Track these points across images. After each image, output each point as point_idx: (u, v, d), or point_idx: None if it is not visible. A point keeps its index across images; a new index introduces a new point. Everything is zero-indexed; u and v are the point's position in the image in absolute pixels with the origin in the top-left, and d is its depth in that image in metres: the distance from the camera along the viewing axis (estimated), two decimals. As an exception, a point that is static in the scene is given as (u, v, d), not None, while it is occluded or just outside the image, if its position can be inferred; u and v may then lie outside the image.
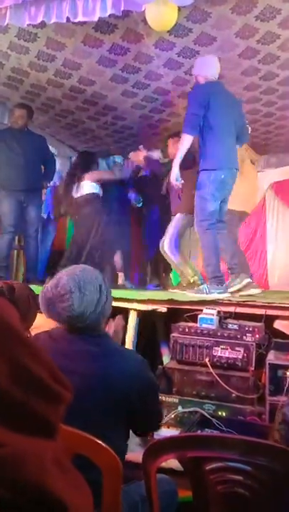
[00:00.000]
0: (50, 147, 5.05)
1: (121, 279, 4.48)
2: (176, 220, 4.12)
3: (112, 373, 1.36)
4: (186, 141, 3.30)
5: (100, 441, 1.08)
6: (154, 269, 4.98)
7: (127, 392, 1.36)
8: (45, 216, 5.23)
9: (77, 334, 1.43)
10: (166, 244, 4.08)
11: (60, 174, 5.47)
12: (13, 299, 1.76)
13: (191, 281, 3.88)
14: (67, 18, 2.77)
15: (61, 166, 5.88)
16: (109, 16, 2.78)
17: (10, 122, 4.39)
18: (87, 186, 4.35)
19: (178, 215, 4.13)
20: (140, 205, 5.01)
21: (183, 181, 3.45)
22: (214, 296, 3.12)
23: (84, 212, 4.35)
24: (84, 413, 1.22)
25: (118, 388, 1.35)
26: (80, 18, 2.76)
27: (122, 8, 2.65)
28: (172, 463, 1.24)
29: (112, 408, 1.35)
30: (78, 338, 1.43)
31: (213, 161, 3.29)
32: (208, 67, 3.41)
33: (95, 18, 2.76)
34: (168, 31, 3.17)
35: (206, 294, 3.17)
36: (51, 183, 4.90)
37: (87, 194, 4.35)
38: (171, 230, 4.12)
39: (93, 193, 4.37)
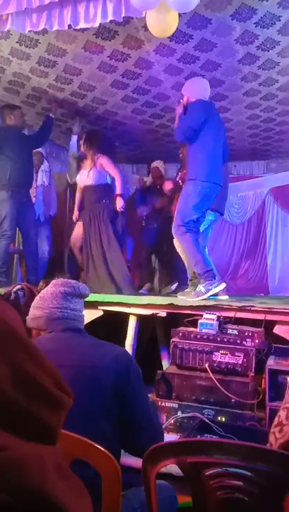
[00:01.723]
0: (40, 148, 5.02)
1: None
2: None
3: (99, 360, 1.43)
4: None
5: (99, 446, 1.08)
6: (147, 274, 4.98)
7: (114, 377, 1.39)
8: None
9: (61, 332, 1.55)
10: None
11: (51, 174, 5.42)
12: (19, 305, 1.81)
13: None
14: (69, 26, 2.80)
15: (60, 170, 5.90)
16: (110, 22, 2.80)
17: (14, 124, 4.26)
18: None
19: None
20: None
21: None
22: (213, 292, 3.15)
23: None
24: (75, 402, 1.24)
25: (106, 373, 1.39)
26: (82, 25, 2.78)
27: (123, 15, 2.68)
28: (172, 468, 1.24)
29: (102, 395, 1.37)
30: (63, 335, 1.54)
31: (201, 173, 3.36)
32: (201, 90, 3.50)
33: (96, 25, 2.78)
34: (168, 37, 3.20)
35: (205, 293, 3.16)
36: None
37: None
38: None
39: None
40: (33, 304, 1.64)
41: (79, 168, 4.46)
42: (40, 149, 4.96)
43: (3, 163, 4.13)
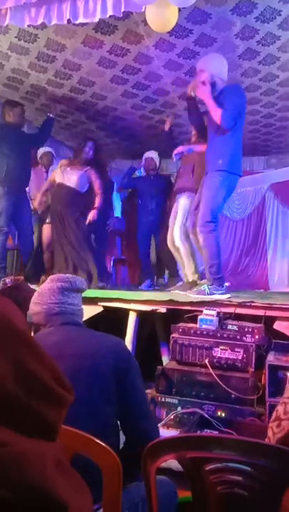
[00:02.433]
0: (50, 148, 5.06)
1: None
2: (185, 204, 3.90)
3: (99, 348, 1.46)
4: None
5: (99, 441, 1.08)
6: (146, 268, 4.98)
7: (114, 363, 1.43)
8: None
9: (60, 326, 1.58)
10: (177, 234, 3.87)
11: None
12: (19, 300, 1.83)
13: (190, 279, 3.81)
14: (68, 20, 2.78)
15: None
16: (110, 16, 2.78)
17: (13, 120, 4.25)
18: None
19: (185, 198, 3.91)
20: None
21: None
22: (215, 297, 3.11)
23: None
24: (76, 390, 1.28)
25: (106, 361, 1.42)
26: (81, 20, 2.76)
27: (123, 10, 2.66)
28: (171, 463, 1.25)
29: (102, 381, 1.40)
30: (62, 328, 1.56)
31: (234, 165, 3.21)
32: (223, 67, 3.26)
33: (96, 19, 2.76)
34: (168, 32, 3.18)
35: (207, 295, 3.15)
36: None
37: None
38: (180, 215, 3.89)
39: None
40: (32, 299, 1.66)
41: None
42: (49, 149, 5.00)
43: (6, 159, 4.13)
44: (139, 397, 1.49)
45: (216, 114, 3.12)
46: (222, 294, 3.17)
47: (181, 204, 3.94)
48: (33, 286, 3.72)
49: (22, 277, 3.08)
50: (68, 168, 4.29)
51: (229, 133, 3.16)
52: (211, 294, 3.15)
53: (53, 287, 1.63)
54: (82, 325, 1.65)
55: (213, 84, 3.18)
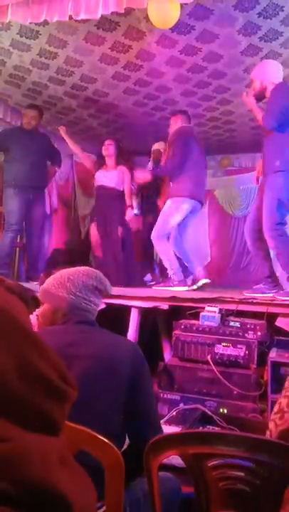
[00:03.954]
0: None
1: None
2: (182, 206, 3.86)
3: (116, 352, 1.44)
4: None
5: (102, 437, 1.09)
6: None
7: (130, 369, 1.41)
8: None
9: (76, 324, 1.53)
10: (154, 234, 3.91)
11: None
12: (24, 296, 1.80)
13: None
14: (70, 17, 2.77)
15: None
16: (112, 13, 2.77)
17: (23, 123, 4.38)
18: None
19: (181, 199, 3.86)
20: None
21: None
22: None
23: None
24: (90, 392, 1.31)
25: (122, 366, 1.40)
26: (83, 16, 2.75)
27: (125, 6, 2.65)
28: (173, 459, 1.25)
29: (117, 386, 1.39)
30: (78, 328, 1.52)
31: None
32: (278, 72, 3.26)
33: (98, 16, 2.75)
34: (170, 28, 3.17)
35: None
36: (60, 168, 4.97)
37: None
38: (161, 217, 3.93)
39: None
40: (55, 281, 1.57)
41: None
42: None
43: (10, 164, 4.25)
44: (148, 404, 1.48)
45: (259, 117, 3.18)
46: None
47: (180, 203, 3.89)
48: (33, 284, 3.77)
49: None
50: (103, 170, 4.47)
51: (280, 133, 3.12)
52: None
53: (87, 283, 1.57)
54: (95, 323, 1.60)
55: (264, 89, 3.23)
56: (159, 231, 3.85)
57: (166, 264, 3.89)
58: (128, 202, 4.42)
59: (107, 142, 4.51)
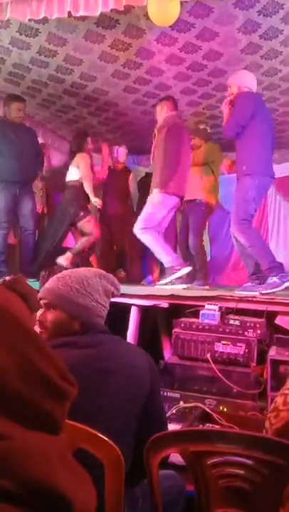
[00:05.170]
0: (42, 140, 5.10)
1: None
2: (153, 198, 3.84)
3: (137, 363, 1.40)
4: None
5: (102, 436, 1.09)
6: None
7: (147, 378, 1.38)
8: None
9: (98, 334, 1.43)
10: (138, 225, 3.86)
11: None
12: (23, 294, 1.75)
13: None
14: (69, 13, 2.76)
15: (61, 161, 5.88)
16: (111, 10, 2.77)
17: (9, 115, 4.27)
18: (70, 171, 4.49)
19: (155, 191, 3.82)
20: None
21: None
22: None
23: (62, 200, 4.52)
24: (122, 404, 1.32)
25: (142, 378, 1.37)
26: (82, 13, 2.74)
27: (124, 3, 2.64)
28: (174, 457, 1.26)
29: (139, 397, 1.36)
30: (102, 337, 1.43)
31: (259, 167, 3.38)
32: (251, 80, 3.53)
33: (97, 13, 2.75)
34: (170, 26, 3.16)
35: (281, 285, 3.05)
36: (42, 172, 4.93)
37: (68, 180, 4.47)
38: (148, 208, 3.87)
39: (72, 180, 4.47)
40: (72, 285, 1.41)
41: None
42: (41, 141, 5.02)
43: (6, 153, 4.14)
44: (159, 410, 1.46)
45: None
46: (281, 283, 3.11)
47: (165, 197, 3.85)
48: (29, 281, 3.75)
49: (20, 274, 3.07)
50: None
51: (250, 139, 3.39)
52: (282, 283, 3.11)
53: (106, 288, 1.47)
54: (108, 331, 1.49)
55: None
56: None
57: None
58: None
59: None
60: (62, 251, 4.46)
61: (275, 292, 3.02)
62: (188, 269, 3.70)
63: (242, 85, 3.49)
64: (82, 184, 4.45)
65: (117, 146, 5.09)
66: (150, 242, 3.83)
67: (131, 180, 5.25)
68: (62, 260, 4.29)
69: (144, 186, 5.00)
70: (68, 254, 4.39)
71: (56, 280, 1.45)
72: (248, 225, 3.41)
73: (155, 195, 3.82)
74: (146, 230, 3.80)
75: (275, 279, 3.11)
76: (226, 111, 3.55)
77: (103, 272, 1.52)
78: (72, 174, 4.47)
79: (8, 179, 4.16)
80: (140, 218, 3.86)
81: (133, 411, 1.34)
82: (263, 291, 3.05)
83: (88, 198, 4.50)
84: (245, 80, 3.52)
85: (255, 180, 3.37)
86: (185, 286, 3.58)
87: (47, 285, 1.46)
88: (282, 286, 3.05)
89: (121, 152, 4.92)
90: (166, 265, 3.80)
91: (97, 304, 1.42)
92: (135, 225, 3.86)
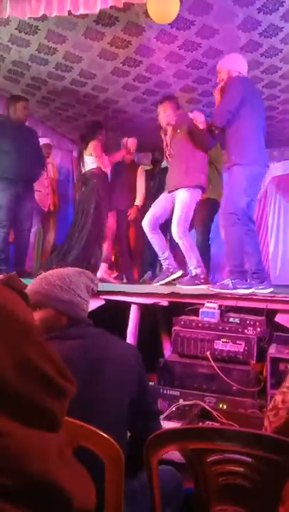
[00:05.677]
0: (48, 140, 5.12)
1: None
2: (186, 197, 3.63)
3: (126, 352, 1.48)
4: None
5: (102, 433, 1.09)
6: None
7: (135, 366, 1.45)
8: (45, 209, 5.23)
9: (87, 327, 1.51)
10: (181, 228, 3.58)
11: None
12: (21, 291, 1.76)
13: (194, 273, 3.69)
14: (69, 12, 2.76)
15: (61, 159, 5.88)
16: (111, 8, 2.76)
17: (14, 114, 4.24)
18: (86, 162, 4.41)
19: (185, 190, 3.63)
20: None
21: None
22: (240, 291, 3.01)
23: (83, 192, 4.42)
24: (117, 392, 1.37)
25: (130, 368, 1.43)
26: (82, 11, 2.74)
27: (124, 1, 2.64)
28: (173, 455, 1.26)
29: (130, 384, 1.42)
30: (90, 330, 1.51)
31: (248, 156, 3.15)
32: (241, 64, 3.33)
33: (96, 11, 2.74)
34: (169, 24, 3.15)
35: (231, 289, 3.02)
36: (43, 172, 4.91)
37: (87, 171, 4.39)
38: (184, 208, 3.61)
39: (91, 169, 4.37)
40: (55, 283, 1.49)
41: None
42: (48, 141, 5.09)
43: (9, 152, 4.12)
44: (152, 396, 1.53)
45: None
46: (246, 288, 3.04)
47: (184, 193, 3.66)
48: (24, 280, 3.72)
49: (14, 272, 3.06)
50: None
51: (239, 129, 3.17)
52: (233, 289, 3.03)
53: (87, 284, 1.54)
54: (93, 324, 1.56)
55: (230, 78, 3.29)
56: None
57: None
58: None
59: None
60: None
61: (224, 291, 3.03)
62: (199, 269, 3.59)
63: (232, 69, 3.29)
64: (102, 171, 4.41)
65: (127, 137, 4.99)
66: (191, 244, 3.62)
67: (140, 173, 5.16)
68: (102, 273, 4.25)
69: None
70: (103, 265, 4.33)
71: (39, 281, 1.52)
72: (234, 220, 3.14)
73: (184, 194, 3.61)
74: (186, 232, 3.60)
75: (229, 281, 3.06)
76: (218, 98, 3.32)
77: (82, 270, 1.61)
78: (90, 163, 4.37)
79: (11, 178, 4.16)
80: (178, 222, 3.57)
81: (125, 398, 1.39)
82: (211, 288, 3.13)
83: (109, 190, 4.49)
84: (234, 64, 3.31)
85: (246, 171, 3.13)
86: (205, 286, 3.36)
87: (31, 287, 1.50)
88: (230, 291, 3.01)
89: (131, 142, 4.84)
90: (191, 267, 3.55)
91: (80, 299, 1.50)
92: (175, 230, 3.54)
